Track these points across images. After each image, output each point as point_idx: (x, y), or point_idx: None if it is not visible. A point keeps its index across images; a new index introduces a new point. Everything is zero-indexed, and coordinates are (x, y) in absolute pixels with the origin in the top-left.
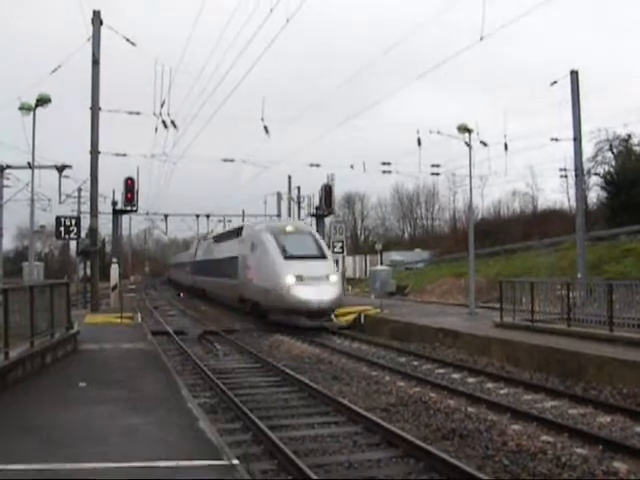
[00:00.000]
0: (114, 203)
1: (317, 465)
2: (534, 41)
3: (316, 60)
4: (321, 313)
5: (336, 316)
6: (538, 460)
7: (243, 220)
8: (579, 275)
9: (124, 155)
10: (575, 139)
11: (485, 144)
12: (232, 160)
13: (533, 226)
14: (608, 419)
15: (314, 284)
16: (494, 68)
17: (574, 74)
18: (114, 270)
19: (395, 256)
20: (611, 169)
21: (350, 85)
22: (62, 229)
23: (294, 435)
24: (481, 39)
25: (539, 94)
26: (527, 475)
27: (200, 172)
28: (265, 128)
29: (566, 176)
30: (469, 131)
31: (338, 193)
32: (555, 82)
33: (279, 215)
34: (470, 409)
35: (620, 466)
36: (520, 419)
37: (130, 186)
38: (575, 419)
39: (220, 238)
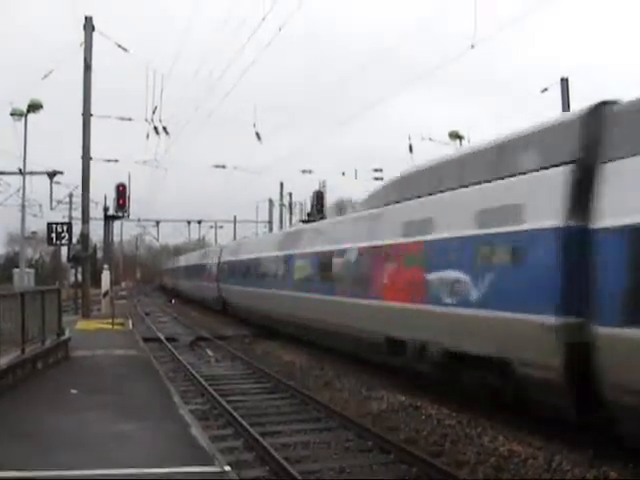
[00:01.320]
0: (105, 209)
1: (309, 471)
2: (527, 47)
3: (309, 67)
4: None
5: None
6: (529, 465)
7: (235, 227)
8: None
9: (116, 161)
10: None
11: None
12: (223, 166)
13: None
14: None
15: None
16: (489, 73)
17: (564, 81)
18: (105, 276)
19: None
20: None
21: (343, 91)
22: (54, 235)
23: (286, 441)
24: (472, 47)
25: (531, 100)
26: None
27: (191, 178)
28: (257, 134)
29: None
30: (460, 138)
31: (330, 200)
32: (546, 89)
33: (271, 222)
34: None
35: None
36: None
37: (122, 192)
38: None
39: None
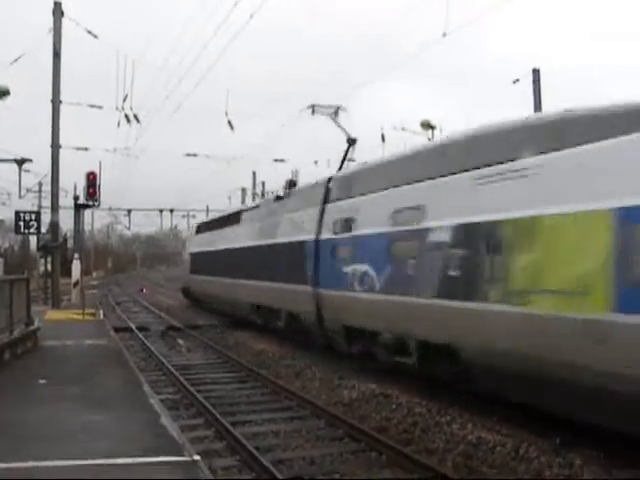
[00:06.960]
0: (76, 198)
1: (279, 460)
2: (502, 37)
3: (283, 54)
4: None
5: None
6: (497, 453)
7: (207, 216)
8: None
9: (86, 149)
10: None
11: None
12: (195, 155)
13: None
14: None
15: None
16: (462, 64)
17: (536, 72)
18: (76, 266)
19: None
20: None
21: (317, 79)
22: (22, 224)
23: (256, 431)
24: (444, 35)
25: (503, 91)
26: (486, 467)
27: (163, 167)
28: (229, 123)
29: None
30: (432, 128)
31: None
32: (517, 80)
33: None
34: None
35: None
36: None
37: (92, 180)
38: None
39: None
